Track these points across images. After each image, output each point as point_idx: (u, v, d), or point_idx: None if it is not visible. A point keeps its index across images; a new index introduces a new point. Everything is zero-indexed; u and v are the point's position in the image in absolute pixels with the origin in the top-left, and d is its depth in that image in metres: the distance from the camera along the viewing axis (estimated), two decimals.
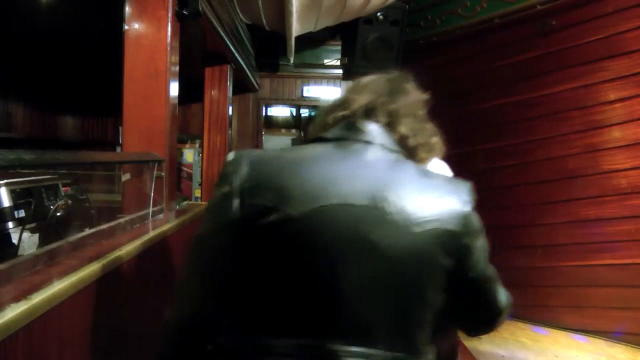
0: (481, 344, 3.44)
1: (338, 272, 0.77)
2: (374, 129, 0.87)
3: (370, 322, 0.78)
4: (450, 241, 0.78)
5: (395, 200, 0.77)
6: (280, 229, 0.78)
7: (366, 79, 0.98)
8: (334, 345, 0.76)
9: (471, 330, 0.99)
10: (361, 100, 0.91)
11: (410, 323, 0.80)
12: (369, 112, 0.90)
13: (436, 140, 0.96)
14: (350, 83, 1.01)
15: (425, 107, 0.98)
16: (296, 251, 0.78)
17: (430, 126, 0.96)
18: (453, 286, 0.81)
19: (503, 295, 0.90)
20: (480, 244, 0.83)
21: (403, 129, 0.89)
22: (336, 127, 0.89)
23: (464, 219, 0.80)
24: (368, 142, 0.85)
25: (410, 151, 0.90)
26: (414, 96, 0.96)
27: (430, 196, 0.80)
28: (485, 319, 0.92)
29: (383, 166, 0.83)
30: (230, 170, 0.82)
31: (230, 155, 0.85)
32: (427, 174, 0.84)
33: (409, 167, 0.85)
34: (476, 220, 0.82)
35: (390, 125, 0.89)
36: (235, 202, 0.79)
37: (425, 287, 0.79)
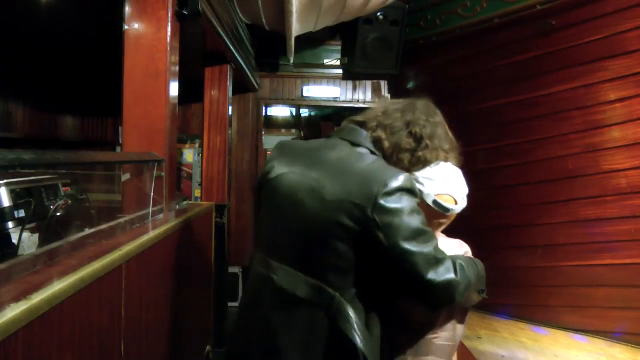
0: (481, 344, 3.44)
1: (280, 216, 1.21)
2: (352, 129, 1.25)
3: (294, 252, 1.17)
4: (354, 211, 1.07)
5: (326, 176, 1.14)
6: (265, 185, 1.28)
7: (390, 101, 1.35)
8: (274, 262, 1.20)
9: (419, 297, 1.17)
10: (368, 114, 1.29)
11: (320, 261, 1.12)
12: (364, 122, 1.26)
13: (421, 150, 1.23)
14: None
15: (422, 125, 1.24)
16: (268, 199, 1.27)
17: (426, 140, 1.23)
18: (370, 247, 1.08)
19: (435, 274, 1.06)
20: (395, 222, 1.06)
21: (380, 134, 1.22)
22: (339, 129, 1.30)
23: (375, 198, 1.06)
24: (343, 139, 1.24)
25: (385, 153, 1.22)
26: (411, 116, 1.25)
27: (356, 178, 1.10)
28: (419, 289, 1.10)
29: (339, 154, 1.19)
30: (268, 156, 1.35)
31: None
32: (369, 164, 1.14)
33: (359, 157, 1.17)
34: (392, 204, 1.06)
35: (372, 130, 1.23)
36: (260, 173, 1.33)
37: (332, 238, 1.09)
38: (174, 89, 1.87)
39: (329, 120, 6.21)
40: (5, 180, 1.43)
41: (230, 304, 3.84)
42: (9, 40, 3.53)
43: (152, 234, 1.46)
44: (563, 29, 3.38)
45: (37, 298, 0.82)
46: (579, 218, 3.64)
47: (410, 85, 4.75)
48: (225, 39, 2.76)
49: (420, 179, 1.27)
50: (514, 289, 4.19)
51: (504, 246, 4.13)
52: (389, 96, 5.01)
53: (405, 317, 1.28)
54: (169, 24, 1.80)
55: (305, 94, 4.98)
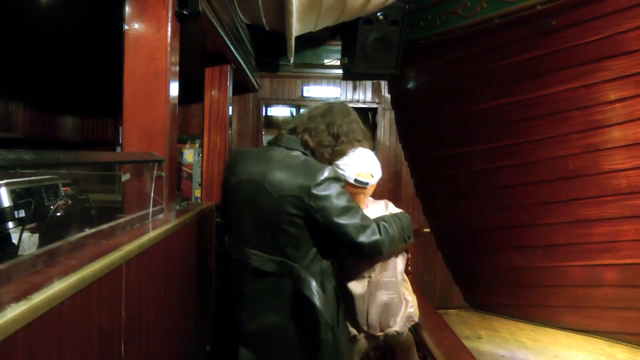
0: (481, 344, 3.44)
1: (243, 212, 1.53)
2: (286, 138, 1.57)
3: (259, 239, 1.51)
4: (295, 201, 1.42)
5: (271, 177, 1.46)
6: (229, 188, 1.58)
7: (313, 106, 1.66)
8: (247, 249, 1.53)
9: (355, 255, 1.60)
10: (297, 121, 1.63)
11: (278, 242, 1.47)
12: (294, 129, 1.60)
13: (339, 145, 1.59)
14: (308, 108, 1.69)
15: (338, 125, 1.58)
16: (231, 200, 1.59)
17: (342, 137, 1.58)
18: (313, 225, 1.43)
19: (364, 237, 1.44)
20: (327, 205, 1.40)
21: (306, 137, 1.57)
22: (275, 137, 1.62)
23: (308, 189, 1.40)
24: (280, 146, 1.56)
25: (312, 150, 1.56)
26: (329, 119, 1.59)
27: (292, 176, 1.44)
28: (354, 250, 1.48)
29: (278, 158, 1.51)
30: (227, 160, 1.67)
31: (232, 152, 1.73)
32: (300, 164, 1.48)
33: (294, 159, 1.50)
34: (322, 192, 1.41)
35: (300, 134, 1.58)
36: (224, 175, 1.65)
37: (283, 224, 1.44)
38: (174, 89, 1.87)
39: None
40: (5, 180, 1.43)
41: None
42: (8, 40, 3.53)
43: (152, 234, 1.46)
44: (563, 29, 3.39)
45: (37, 298, 0.82)
46: (579, 218, 3.65)
47: (410, 85, 4.75)
48: (225, 39, 2.76)
49: (341, 166, 1.63)
50: (514, 289, 4.19)
51: (504, 246, 4.13)
52: (389, 96, 5.02)
53: (351, 268, 1.70)
54: (169, 24, 1.80)
55: (305, 94, 4.98)
